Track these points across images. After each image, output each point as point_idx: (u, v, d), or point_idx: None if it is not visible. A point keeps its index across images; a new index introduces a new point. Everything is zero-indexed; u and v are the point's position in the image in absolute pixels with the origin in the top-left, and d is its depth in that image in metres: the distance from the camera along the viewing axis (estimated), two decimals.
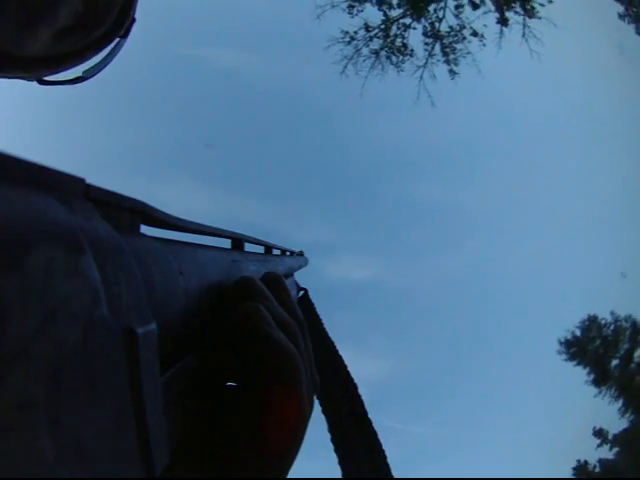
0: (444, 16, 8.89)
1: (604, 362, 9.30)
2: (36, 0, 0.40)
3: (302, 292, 0.62)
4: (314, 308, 0.59)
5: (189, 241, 0.30)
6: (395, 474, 0.43)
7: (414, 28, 8.96)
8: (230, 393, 0.28)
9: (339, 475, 0.43)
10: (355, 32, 8.87)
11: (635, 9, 8.94)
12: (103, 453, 0.13)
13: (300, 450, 0.28)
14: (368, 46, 8.69)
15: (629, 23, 8.90)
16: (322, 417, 0.47)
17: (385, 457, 0.44)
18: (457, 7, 8.84)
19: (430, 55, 8.90)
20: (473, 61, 8.60)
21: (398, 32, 8.76)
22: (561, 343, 9.65)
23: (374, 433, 0.45)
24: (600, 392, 9.37)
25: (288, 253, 0.69)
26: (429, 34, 8.98)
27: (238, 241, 0.42)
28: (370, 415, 0.46)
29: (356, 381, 0.49)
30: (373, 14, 8.86)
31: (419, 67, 8.79)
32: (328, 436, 0.46)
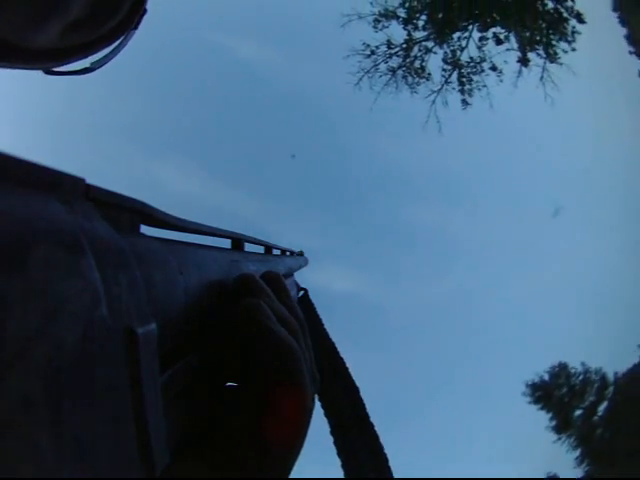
0: (467, 46, 8.92)
1: (568, 410, 9.30)
2: None
3: (302, 292, 0.62)
4: (314, 308, 0.59)
5: (189, 241, 0.30)
6: None
7: (435, 52, 8.97)
8: (231, 392, 0.28)
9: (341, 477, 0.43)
10: (376, 47, 8.86)
11: None
12: (103, 453, 0.13)
13: (303, 448, 0.28)
14: (387, 62, 8.67)
15: None
16: (324, 419, 0.47)
17: (387, 460, 0.44)
18: (481, 39, 8.87)
19: (446, 82, 8.91)
20: (487, 94, 8.60)
21: (419, 54, 8.76)
22: (527, 385, 9.65)
23: (376, 436, 0.45)
24: (559, 439, 9.37)
25: (288, 253, 0.70)
26: (449, 61, 8.99)
27: (238, 241, 0.42)
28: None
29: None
30: (397, 32, 8.86)
31: (433, 92, 8.79)
32: (330, 439, 0.46)
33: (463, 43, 8.92)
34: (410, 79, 9.11)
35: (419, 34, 8.99)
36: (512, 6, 8.38)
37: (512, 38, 8.59)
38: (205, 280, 0.26)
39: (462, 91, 8.89)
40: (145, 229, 0.23)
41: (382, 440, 0.45)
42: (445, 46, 8.90)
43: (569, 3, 8.18)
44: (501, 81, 8.69)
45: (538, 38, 8.53)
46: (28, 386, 0.11)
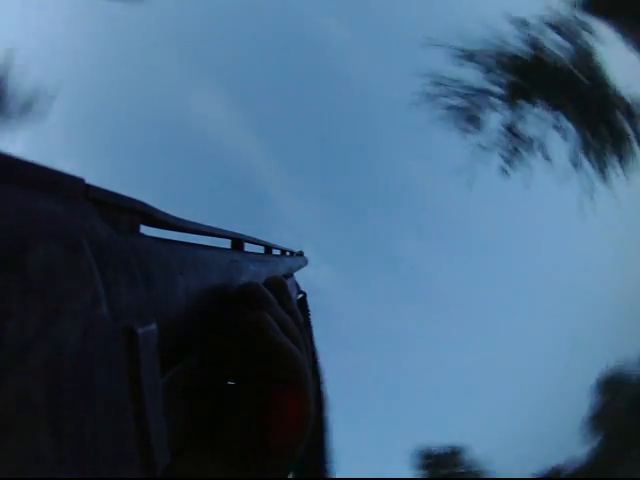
0: (525, 119, 8.98)
1: None
2: None
3: (301, 295, 0.63)
4: (308, 315, 0.59)
5: (189, 241, 0.30)
6: None
7: (497, 111, 8.98)
8: (231, 392, 0.28)
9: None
10: (445, 78, 8.83)
11: None
12: (103, 453, 0.14)
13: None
14: (446, 97, 8.56)
15: None
16: None
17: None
18: (541, 119, 8.93)
19: (495, 143, 8.94)
20: (527, 173, 8.63)
21: (481, 103, 8.69)
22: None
23: (330, 446, 0.46)
24: None
25: (288, 253, 0.70)
26: (507, 126, 9.02)
27: (238, 241, 0.42)
28: None
29: None
30: (471, 75, 8.86)
31: (479, 146, 8.80)
32: None
33: (525, 115, 8.98)
34: (461, 123, 9.13)
35: (490, 87, 9.01)
36: (588, 105, 8.47)
37: (579, 140, 8.63)
38: (205, 280, 0.27)
39: (506, 159, 8.93)
40: (145, 229, 0.23)
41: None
42: (510, 110, 8.93)
43: None
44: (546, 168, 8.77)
45: (597, 147, 8.64)
46: (28, 386, 0.11)
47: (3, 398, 0.11)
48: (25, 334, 0.11)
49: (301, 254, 0.83)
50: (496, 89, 8.92)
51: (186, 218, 0.29)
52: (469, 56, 8.66)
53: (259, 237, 0.51)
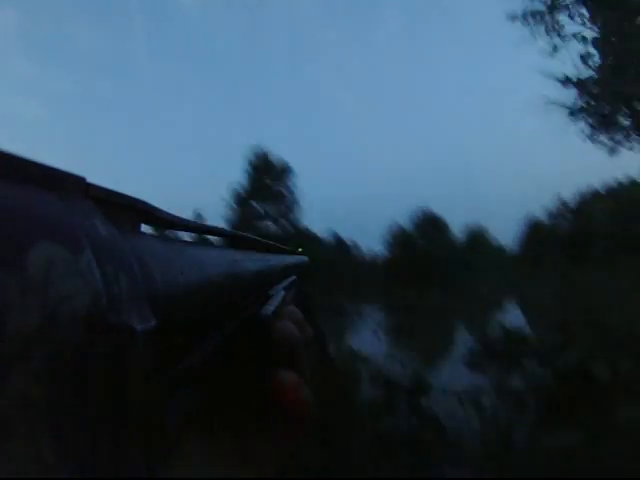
0: None
1: None
2: None
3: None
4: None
5: (189, 241, 0.29)
6: None
7: None
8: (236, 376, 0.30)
9: None
10: None
11: None
12: (103, 453, 0.13)
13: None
14: None
15: None
16: None
17: None
18: None
19: None
20: None
21: None
22: None
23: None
24: None
25: (288, 252, 0.70)
26: None
27: (238, 241, 0.42)
28: None
29: None
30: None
31: None
32: None
33: None
34: None
35: None
36: None
37: None
38: (205, 280, 0.26)
39: None
40: (145, 229, 0.23)
41: None
42: None
43: None
44: None
45: None
46: (28, 386, 0.11)
47: (3, 398, 0.10)
48: (25, 334, 0.11)
49: (301, 253, 0.83)
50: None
51: (187, 217, 0.28)
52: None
53: (259, 237, 0.50)
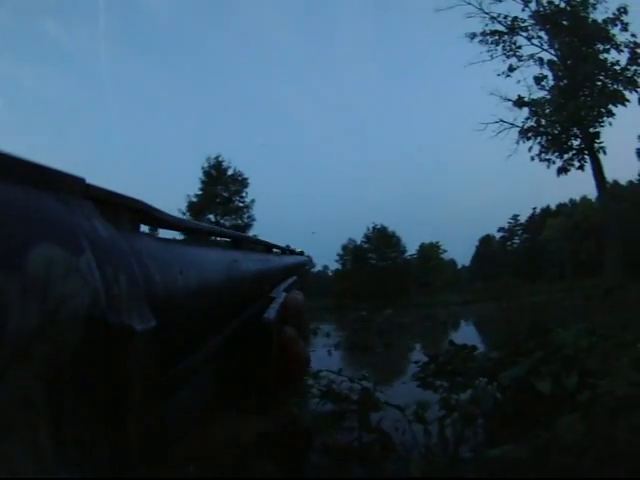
0: None
1: None
2: None
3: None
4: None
5: (189, 241, 0.30)
6: None
7: None
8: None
9: None
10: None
11: None
12: (103, 452, 0.13)
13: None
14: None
15: None
16: None
17: None
18: None
19: None
20: None
21: None
22: None
23: None
24: None
25: (288, 252, 0.70)
26: None
27: (238, 241, 0.42)
28: None
29: None
30: None
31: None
32: None
33: None
34: None
35: None
36: None
37: None
38: (205, 280, 0.27)
39: None
40: (145, 229, 0.23)
41: None
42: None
43: None
44: None
45: None
46: (28, 386, 0.11)
47: (3, 398, 0.10)
48: (25, 334, 0.11)
49: (301, 253, 0.83)
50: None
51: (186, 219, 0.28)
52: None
53: (259, 237, 0.51)
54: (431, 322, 16.19)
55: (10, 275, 0.11)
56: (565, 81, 16.69)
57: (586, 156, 17.55)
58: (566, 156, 17.88)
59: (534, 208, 38.46)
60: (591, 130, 17.03)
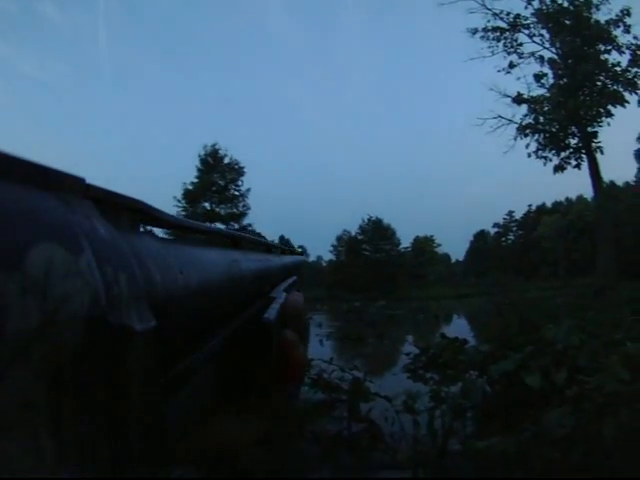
0: None
1: None
2: None
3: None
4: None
5: (189, 241, 0.30)
6: None
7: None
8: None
9: None
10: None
11: None
12: (103, 452, 0.13)
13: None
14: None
15: None
16: None
17: None
18: None
19: None
20: None
21: None
22: None
23: None
24: None
25: (288, 252, 0.70)
26: None
27: (237, 241, 0.42)
28: None
29: None
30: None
31: None
32: None
33: None
34: None
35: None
36: None
37: None
38: (205, 280, 0.27)
39: None
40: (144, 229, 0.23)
41: None
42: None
43: None
44: None
45: None
46: (28, 386, 0.11)
47: (3, 398, 0.10)
48: (25, 334, 0.11)
49: (301, 253, 0.83)
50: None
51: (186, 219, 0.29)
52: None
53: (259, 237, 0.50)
54: (423, 315, 16.23)
55: (10, 275, 0.11)
56: (565, 80, 16.67)
57: (583, 155, 17.57)
58: (563, 154, 17.88)
59: (530, 205, 38.51)
60: (589, 129, 17.04)
